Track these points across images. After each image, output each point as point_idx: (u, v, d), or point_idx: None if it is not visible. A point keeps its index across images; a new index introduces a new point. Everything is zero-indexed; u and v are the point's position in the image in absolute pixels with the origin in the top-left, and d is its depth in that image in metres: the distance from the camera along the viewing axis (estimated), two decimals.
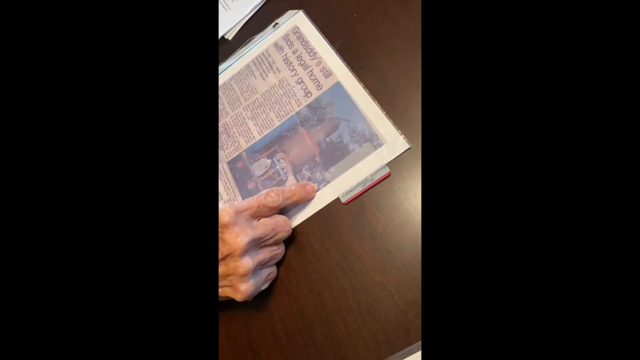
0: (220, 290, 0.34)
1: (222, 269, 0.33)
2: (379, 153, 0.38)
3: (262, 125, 0.45)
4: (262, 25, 0.51)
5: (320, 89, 0.43)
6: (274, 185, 0.42)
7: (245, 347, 0.38)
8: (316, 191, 0.40)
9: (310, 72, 0.45)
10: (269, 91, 0.47)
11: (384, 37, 0.42)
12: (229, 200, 0.44)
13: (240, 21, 0.53)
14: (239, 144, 0.46)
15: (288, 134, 0.43)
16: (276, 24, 0.50)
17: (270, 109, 0.46)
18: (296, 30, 0.48)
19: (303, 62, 0.46)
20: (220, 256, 0.32)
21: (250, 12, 0.53)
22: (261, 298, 0.38)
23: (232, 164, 0.45)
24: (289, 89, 0.45)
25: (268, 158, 0.44)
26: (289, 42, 0.48)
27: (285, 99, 0.45)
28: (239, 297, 0.34)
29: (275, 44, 0.49)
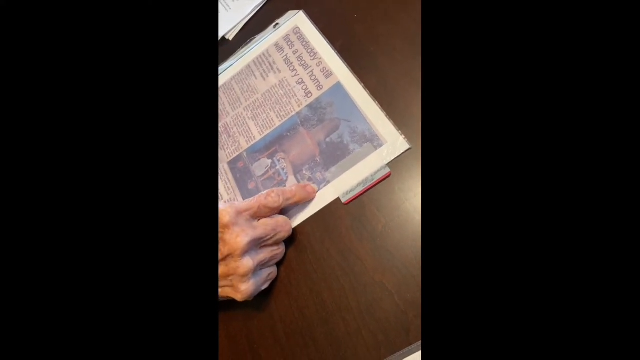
0: (220, 290, 0.34)
1: (222, 269, 0.33)
2: (379, 153, 0.38)
3: (262, 125, 0.45)
4: (263, 26, 0.51)
5: (321, 89, 0.43)
6: (274, 186, 0.42)
7: (245, 347, 0.38)
8: (316, 192, 0.40)
9: (311, 73, 0.45)
10: (269, 91, 0.47)
11: (384, 37, 0.42)
12: (230, 201, 0.44)
13: (240, 21, 0.53)
14: (239, 144, 0.46)
15: (288, 134, 0.43)
16: (277, 24, 0.50)
17: (270, 109, 0.46)
18: (297, 31, 0.48)
19: (303, 62, 0.46)
20: (220, 256, 0.32)
21: (251, 12, 0.53)
22: (261, 298, 0.38)
23: (232, 164, 0.46)
24: (289, 89, 0.45)
25: (268, 158, 0.44)
26: (289, 43, 0.48)
27: (285, 99, 0.45)
28: (239, 297, 0.34)
29: (276, 44, 0.49)
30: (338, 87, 0.42)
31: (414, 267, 0.34)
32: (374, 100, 0.40)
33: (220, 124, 0.48)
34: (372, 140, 0.39)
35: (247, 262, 0.33)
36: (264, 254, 0.35)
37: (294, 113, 0.44)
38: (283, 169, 0.42)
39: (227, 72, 0.51)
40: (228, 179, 0.45)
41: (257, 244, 0.35)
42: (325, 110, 0.42)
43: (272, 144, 0.44)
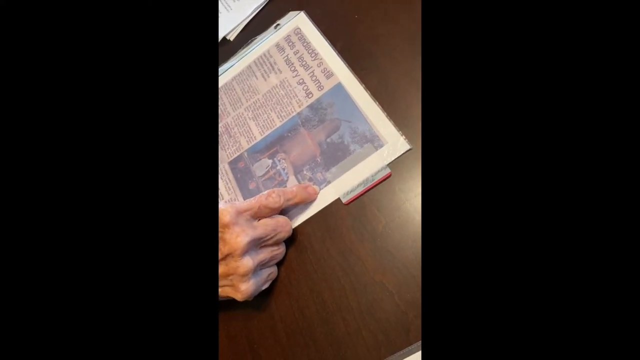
0: (220, 289, 0.34)
1: (222, 268, 0.33)
2: (379, 154, 0.38)
3: (263, 125, 0.46)
4: (264, 26, 0.51)
5: (322, 89, 0.43)
6: (275, 186, 0.42)
7: (245, 347, 0.38)
8: (318, 193, 0.40)
9: (312, 73, 0.45)
10: (270, 92, 0.47)
11: (385, 38, 0.42)
12: (230, 200, 0.44)
13: (242, 22, 0.53)
14: (240, 144, 0.46)
15: (289, 134, 0.44)
16: (278, 25, 0.50)
17: (271, 110, 0.46)
18: (297, 31, 0.48)
19: (304, 62, 0.46)
20: (220, 256, 0.32)
21: (252, 13, 0.53)
22: (262, 298, 0.38)
23: (233, 164, 0.46)
24: (290, 90, 0.45)
25: (269, 158, 0.44)
26: (290, 43, 0.48)
27: (286, 99, 0.45)
28: (239, 297, 0.34)
29: (277, 45, 0.49)
30: (339, 88, 0.43)
31: (414, 267, 0.34)
32: (374, 101, 0.40)
33: (221, 124, 0.48)
34: (373, 141, 0.39)
35: (247, 262, 0.33)
36: (264, 254, 0.35)
37: (294, 113, 0.44)
38: (284, 169, 0.42)
39: (228, 72, 0.51)
40: (229, 179, 0.45)
41: (257, 243, 0.35)
42: (326, 111, 0.42)
43: (273, 144, 0.44)
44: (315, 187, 0.40)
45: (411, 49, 0.41)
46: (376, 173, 0.38)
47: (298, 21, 0.48)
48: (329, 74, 0.44)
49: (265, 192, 0.37)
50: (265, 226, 0.35)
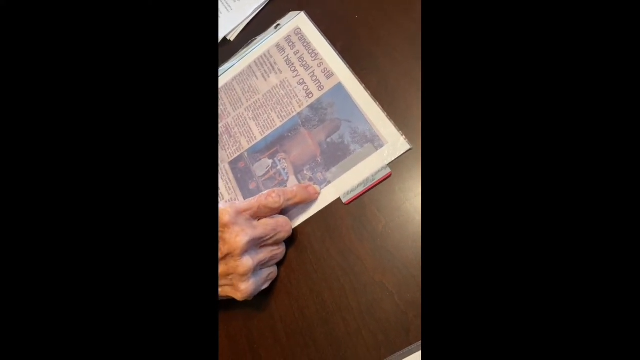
0: (220, 289, 0.34)
1: (222, 268, 0.33)
2: (380, 154, 0.38)
3: (263, 125, 0.46)
4: (264, 27, 0.51)
5: (322, 89, 0.43)
6: (275, 186, 0.42)
7: (245, 347, 0.38)
8: (319, 193, 0.40)
9: (312, 73, 0.45)
10: (270, 92, 0.47)
11: (385, 38, 0.42)
12: (231, 200, 0.44)
13: (242, 22, 0.53)
14: (240, 144, 0.46)
15: (289, 134, 0.44)
16: (278, 25, 0.50)
17: (271, 110, 0.46)
18: (298, 32, 0.48)
19: (305, 63, 0.46)
20: (220, 255, 0.32)
21: (252, 13, 0.53)
22: (261, 298, 0.38)
23: (233, 164, 0.46)
24: (290, 90, 0.45)
25: (269, 158, 0.44)
26: (290, 43, 0.48)
27: (286, 99, 0.45)
28: (239, 297, 0.34)
29: (277, 45, 0.49)
30: (339, 88, 0.43)
31: (414, 267, 0.34)
32: (374, 101, 0.40)
33: (221, 124, 0.49)
34: (373, 141, 0.39)
35: (247, 262, 0.33)
36: (264, 254, 0.35)
37: (295, 113, 0.44)
38: (284, 169, 0.42)
39: (229, 72, 0.51)
40: (229, 179, 0.45)
41: (257, 243, 0.35)
42: (326, 111, 0.42)
43: (273, 144, 0.44)
44: (316, 186, 0.40)
45: (411, 49, 0.41)
46: (376, 173, 0.38)
47: (298, 21, 0.48)
48: (329, 74, 0.44)
49: (265, 192, 0.37)
50: (265, 226, 0.35)
